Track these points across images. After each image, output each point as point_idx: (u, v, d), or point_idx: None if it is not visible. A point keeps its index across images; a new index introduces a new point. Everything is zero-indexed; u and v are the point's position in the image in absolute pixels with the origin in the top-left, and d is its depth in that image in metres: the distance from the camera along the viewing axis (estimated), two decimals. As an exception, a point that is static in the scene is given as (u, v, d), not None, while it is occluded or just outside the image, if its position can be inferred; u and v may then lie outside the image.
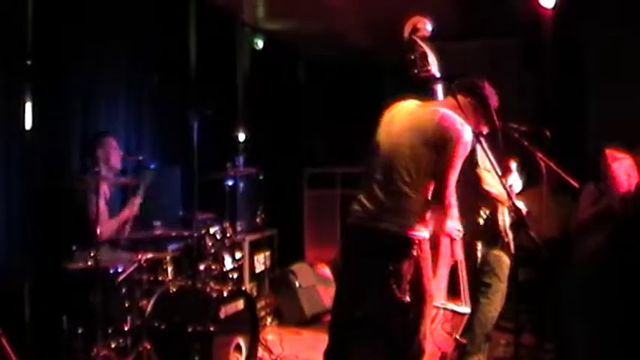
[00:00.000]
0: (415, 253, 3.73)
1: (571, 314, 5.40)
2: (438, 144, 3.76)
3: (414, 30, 4.10)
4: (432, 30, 4.13)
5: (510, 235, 5.18)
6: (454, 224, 4.27)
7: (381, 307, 3.81)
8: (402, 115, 3.99)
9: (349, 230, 4.03)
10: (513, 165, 5.18)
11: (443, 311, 4.30)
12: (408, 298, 3.71)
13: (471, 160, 4.97)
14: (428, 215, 3.82)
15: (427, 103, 4.01)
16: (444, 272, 4.34)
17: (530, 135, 4.99)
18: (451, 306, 4.32)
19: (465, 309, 4.41)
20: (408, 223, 3.75)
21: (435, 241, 4.15)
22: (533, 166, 5.31)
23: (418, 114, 3.94)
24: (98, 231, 4.79)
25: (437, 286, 4.23)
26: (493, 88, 4.17)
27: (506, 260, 5.18)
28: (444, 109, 3.89)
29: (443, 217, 3.95)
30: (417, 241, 3.75)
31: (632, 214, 5.28)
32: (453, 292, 4.47)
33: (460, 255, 4.47)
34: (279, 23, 8.51)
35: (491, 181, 4.91)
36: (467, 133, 3.77)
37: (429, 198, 3.79)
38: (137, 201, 5.53)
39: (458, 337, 4.54)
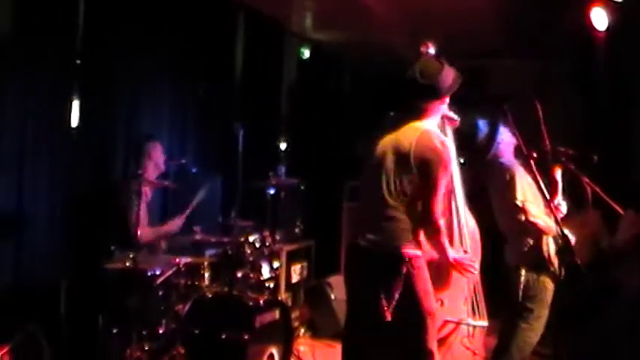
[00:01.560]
0: (405, 271, 3.70)
1: (619, 345, 5.35)
2: (416, 164, 3.74)
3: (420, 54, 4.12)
4: (438, 52, 4.17)
5: (556, 261, 5.10)
6: (466, 257, 4.17)
7: (379, 326, 3.76)
8: (387, 131, 3.95)
9: (347, 251, 4.09)
10: (558, 173, 5.07)
11: (462, 326, 4.30)
12: (398, 311, 3.68)
13: (510, 191, 4.90)
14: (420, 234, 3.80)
15: (415, 121, 3.92)
16: (461, 290, 4.32)
17: (577, 159, 4.92)
18: (468, 320, 4.31)
19: (483, 322, 4.39)
20: (395, 242, 3.75)
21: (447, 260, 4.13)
22: (578, 190, 5.24)
23: (401, 132, 3.88)
24: (138, 233, 4.82)
25: (453, 303, 4.28)
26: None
27: (551, 287, 5.09)
28: (424, 126, 3.85)
29: (440, 243, 3.85)
30: (406, 259, 3.72)
31: None
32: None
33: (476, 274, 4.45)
34: (326, 33, 8.51)
35: (536, 213, 4.82)
36: (447, 151, 3.75)
37: (419, 221, 3.79)
38: (178, 222, 5.56)
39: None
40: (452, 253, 3.97)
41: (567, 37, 7.16)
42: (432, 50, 4.14)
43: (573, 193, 5.55)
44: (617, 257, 5.67)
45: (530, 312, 5.03)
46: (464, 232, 4.42)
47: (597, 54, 7.16)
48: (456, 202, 4.40)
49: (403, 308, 3.69)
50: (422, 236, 3.81)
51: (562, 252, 3.77)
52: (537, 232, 4.86)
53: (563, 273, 4.94)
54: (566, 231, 3.59)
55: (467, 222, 4.50)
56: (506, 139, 4.99)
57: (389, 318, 3.68)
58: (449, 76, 3.89)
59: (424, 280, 3.78)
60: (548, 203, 3.86)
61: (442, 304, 4.07)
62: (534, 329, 5.05)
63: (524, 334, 5.04)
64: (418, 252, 3.78)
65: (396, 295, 3.67)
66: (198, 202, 5.64)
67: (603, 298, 5.69)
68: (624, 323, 5.38)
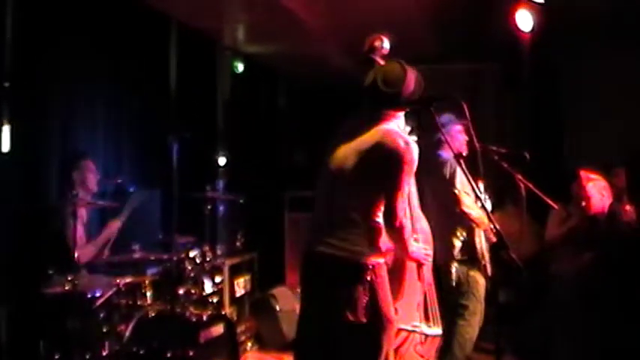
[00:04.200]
0: (369, 278, 3.64)
1: (556, 335, 5.48)
2: (380, 164, 3.66)
3: (371, 49, 4.04)
4: (391, 49, 4.04)
5: (487, 257, 5.19)
6: (420, 247, 4.13)
7: (339, 334, 3.71)
8: (347, 136, 3.85)
9: (303, 258, 3.90)
10: (480, 186, 5.16)
11: (415, 334, 4.25)
12: (363, 319, 3.62)
13: (450, 182, 4.99)
14: (381, 239, 3.72)
15: (375, 126, 3.81)
16: (414, 297, 4.28)
17: (509, 157, 5.02)
18: (421, 328, 4.26)
19: (436, 330, 4.37)
20: (359, 248, 3.66)
21: (400, 266, 4.10)
22: (510, 187, 5.34)
23: (361, 134, 3.79)
24: (76, 255, 4.76)
25: (406, 310, 4.17)
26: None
27: (481, 281, 5.18)
28: (386, 127, 3.77)
29: (403, 240, 3.79)
30: (370, 266, 3.65)
31: (605, 233, 5.42)
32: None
33: (430, 278, 4.40)
34: (259, 46, 8.52)
35: (470, 204, 4.91)
36: (411, 150, 3.66)
37: (381, 221, 3.70)
38: (116, 225, 5.48)
39: (434, 360, 4.50)
40: (411, 248, 3.91)
41: (496, 40, 7.28)
42: (386, 44, 3.97)
43: (510, 194, 5.67)
44: (552, 251, 5.80)
45: (464, 308, 5.12)
46: (416, 227, 4.23)
47: (524, 54, 7.32)
48: (410, 198, 4.26)
49: (365, 316, 3.63)
50: (381, 239, 3.73)
51: (495, 247, 3.78)
52: (470, 225, 4.94)
53: (493, 269, 5.04)
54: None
55: (420, 217, 4.35)
56: (451, 135, 5.01)
57: (351, 326, 3.62)
58: (411, 81, 3.75)
59: (385, 288, 3.73)
60: (479, 200, 3.88)
61: (396, 311, 4.04)
62: (472, 325, 5.14)
63: (462, 331, 5.12)
64: (381, 259, 3.71)
65: (361, 304, 3.61)
66: (136, 205, 5.57)
67: (541, 292, 5.81)
68: (560, 314, 5.51)
